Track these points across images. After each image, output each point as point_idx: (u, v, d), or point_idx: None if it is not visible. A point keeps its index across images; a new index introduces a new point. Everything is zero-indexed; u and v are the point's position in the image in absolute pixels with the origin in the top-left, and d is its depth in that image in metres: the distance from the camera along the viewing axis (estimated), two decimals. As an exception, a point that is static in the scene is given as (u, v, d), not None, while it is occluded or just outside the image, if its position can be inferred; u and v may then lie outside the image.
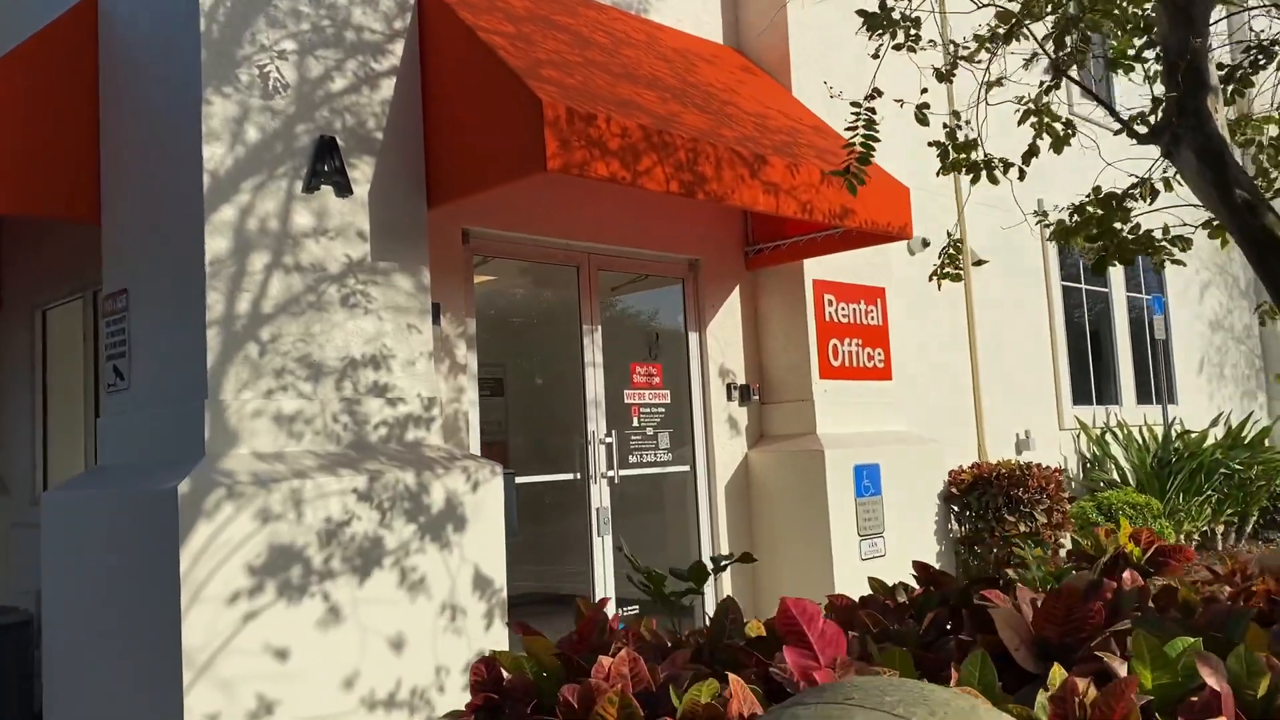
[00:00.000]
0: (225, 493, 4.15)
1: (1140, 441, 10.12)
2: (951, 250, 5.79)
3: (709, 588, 6.86)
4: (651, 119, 5.16)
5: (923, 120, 4.78)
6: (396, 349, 4.95)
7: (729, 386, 7.07)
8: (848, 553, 6.72)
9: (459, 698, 4.67)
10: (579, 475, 6.27)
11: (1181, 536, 9.39)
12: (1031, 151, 4.84)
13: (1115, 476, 10.14)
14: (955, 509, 7.56)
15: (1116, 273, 11.26)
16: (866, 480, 6.97)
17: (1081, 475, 10.29)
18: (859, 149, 4.85)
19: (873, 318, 7.53)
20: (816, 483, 6.71)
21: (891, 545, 7.02)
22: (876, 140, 4.73)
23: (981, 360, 9.12)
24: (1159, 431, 10.77)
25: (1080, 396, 10.51)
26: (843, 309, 7.32)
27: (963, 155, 5.03)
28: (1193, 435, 10.38)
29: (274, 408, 4.50)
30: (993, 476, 7.45)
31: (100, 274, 5.13)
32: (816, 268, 7.18)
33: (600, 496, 6.31)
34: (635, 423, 6.61)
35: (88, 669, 4.56)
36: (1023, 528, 7.27)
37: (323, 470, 4.47)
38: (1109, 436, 10.32)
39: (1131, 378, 11.33)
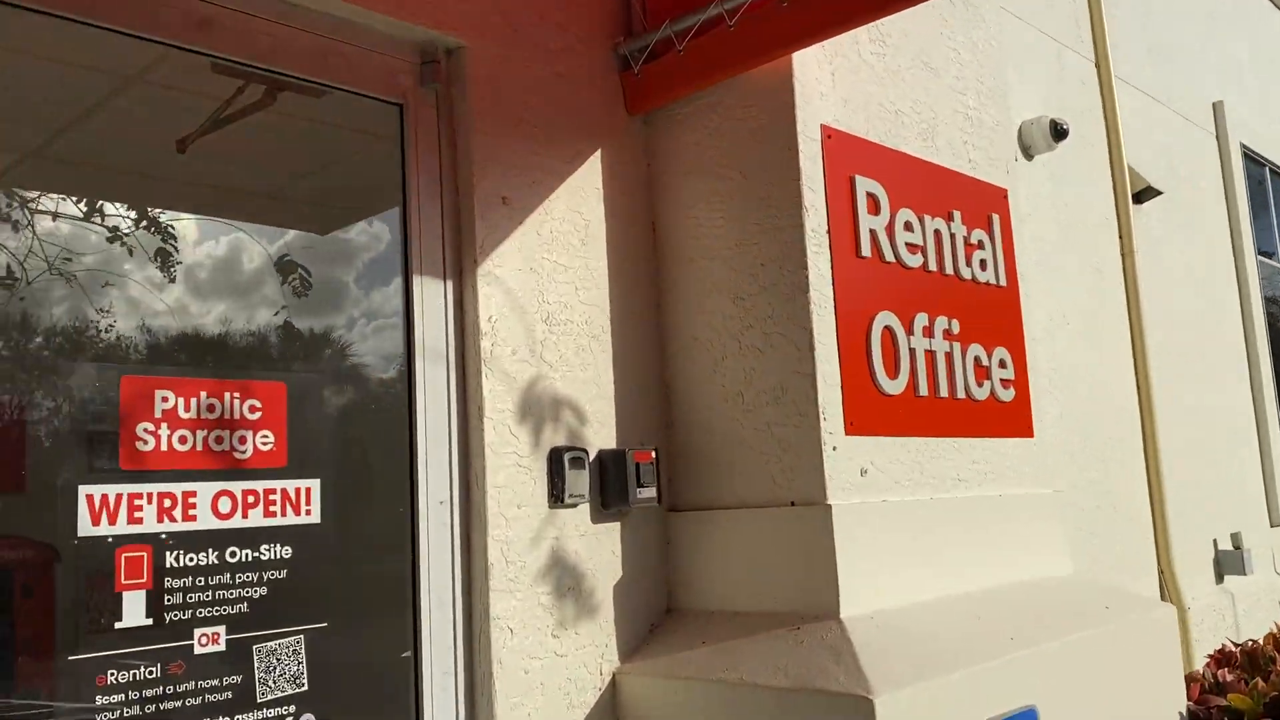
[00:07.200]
0: None
1: None
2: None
3: None
4: None
5: None
6: None
7: (557, 457, 2.23)
8: None
9: None
10: None
11: None
12: None
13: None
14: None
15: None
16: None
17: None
18: None
19: (986, 269, 2.74)
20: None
21: None
22: None
23: (1155, 382, 4.36)
24: None
25: (1292, 457, 5.70)
26: (909, 228, 2.52)
27: None
28: None
29: None
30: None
31: None
32: (823, 97, 2.39)
33: None
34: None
35: None
36: None
37: None
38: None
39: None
